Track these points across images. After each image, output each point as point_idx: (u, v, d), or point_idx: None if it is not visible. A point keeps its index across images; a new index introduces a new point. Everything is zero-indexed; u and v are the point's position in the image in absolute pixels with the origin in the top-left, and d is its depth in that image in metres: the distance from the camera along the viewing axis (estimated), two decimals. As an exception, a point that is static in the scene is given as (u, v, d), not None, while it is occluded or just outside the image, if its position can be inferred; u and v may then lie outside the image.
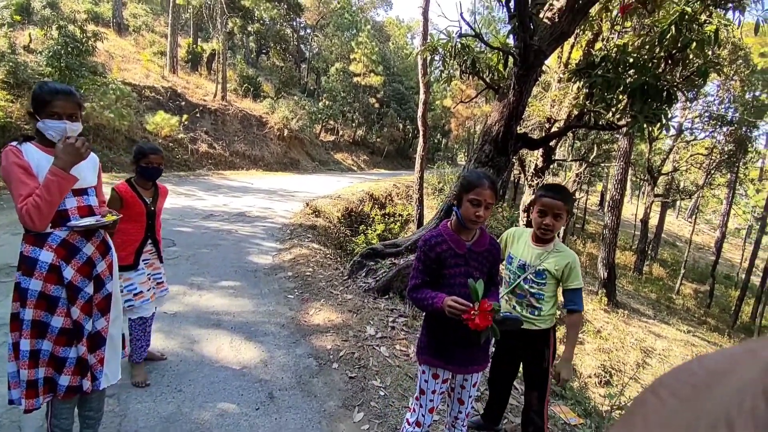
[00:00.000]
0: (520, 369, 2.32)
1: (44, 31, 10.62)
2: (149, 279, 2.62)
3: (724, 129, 16.47)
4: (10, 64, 9.75)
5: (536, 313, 2.07)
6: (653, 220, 20.75)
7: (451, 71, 5.47)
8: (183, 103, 16.39)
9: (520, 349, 2.21)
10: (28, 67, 10.45)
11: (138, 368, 2.57)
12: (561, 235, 18.58)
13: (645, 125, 3.70)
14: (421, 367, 1.80)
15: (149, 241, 2.60)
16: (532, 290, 2.06)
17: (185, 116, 15.34)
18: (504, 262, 2.20)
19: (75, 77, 10.04)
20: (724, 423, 0.19)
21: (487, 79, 5.17)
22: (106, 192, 1.78)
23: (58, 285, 1.63)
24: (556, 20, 4.14)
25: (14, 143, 1.60)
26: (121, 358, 1.94)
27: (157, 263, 2.71)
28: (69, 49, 9.88)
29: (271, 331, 3.49)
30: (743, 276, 17.38)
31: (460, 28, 4.49)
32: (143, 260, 2.57)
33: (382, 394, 2.77)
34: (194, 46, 21.32)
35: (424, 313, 1.89)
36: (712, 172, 17.99)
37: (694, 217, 23.81)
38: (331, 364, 3.05)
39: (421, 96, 9.07)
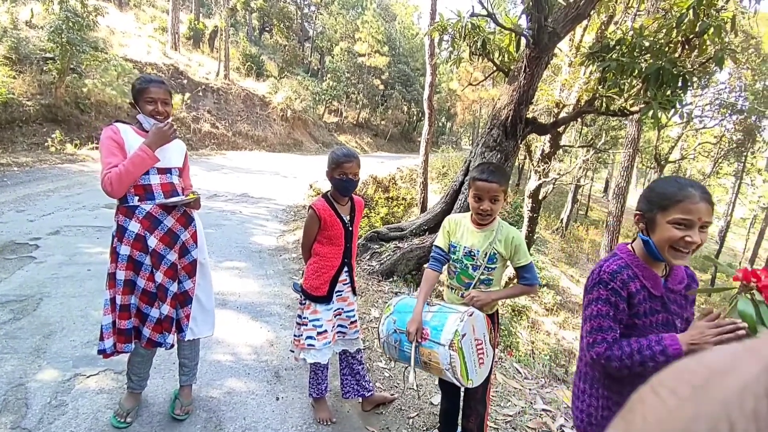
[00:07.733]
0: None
1: (46, 5, 10.40)
2: (338, 316, 2.27)
3: (734, 118, 16.23)
4: (12, 39, 9.60)
5: None
6: (657, 209, 20.61)
7: (460, 52, 5.34)
8: (185, 81, 16.17)
9: None
10: (29, 42, 10.28)
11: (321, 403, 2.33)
12: (565, 222, 18.61)
13: (659, 111, 3.63)
14: None
15: (345, 269, 2.20)
16: (482, 277, 1.85)
17: (187, 95, 15.16)
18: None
19: (76, 53, 9.84)
20: (725, 424, 0.18)
21: (497, 62, 5.06)
22: (204, 180, 1.78)
23: (142, 252, 1.92)
24: (572, 1, 4.02)
25: (117, 123, 1.94)
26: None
27: (350, 297, 2.28)
28: (70, 24, 9.64)
29: (276, 311, 3.52)
30: (746, 265, 17.39)
31: (472, 7, 4.37)
32: (336, 291, 2.20)
33: (387, 375, 2.81)
34: (196, 22, 20.88)
35: (587, 374, 1.36)
36: (720, 161, 17.82)
37: (698, 205, 23.55)
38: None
39: (428, 78, 8.87)
